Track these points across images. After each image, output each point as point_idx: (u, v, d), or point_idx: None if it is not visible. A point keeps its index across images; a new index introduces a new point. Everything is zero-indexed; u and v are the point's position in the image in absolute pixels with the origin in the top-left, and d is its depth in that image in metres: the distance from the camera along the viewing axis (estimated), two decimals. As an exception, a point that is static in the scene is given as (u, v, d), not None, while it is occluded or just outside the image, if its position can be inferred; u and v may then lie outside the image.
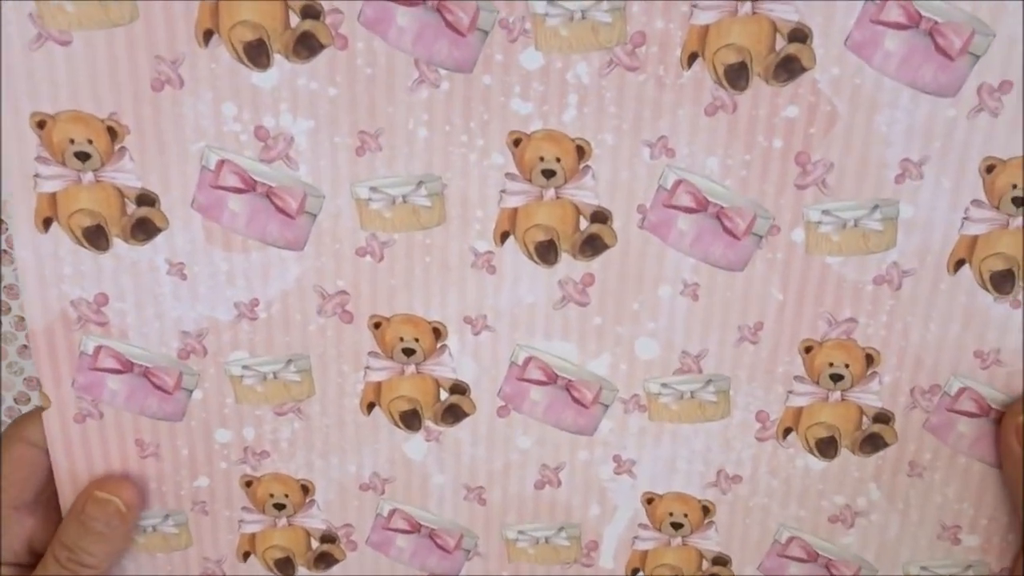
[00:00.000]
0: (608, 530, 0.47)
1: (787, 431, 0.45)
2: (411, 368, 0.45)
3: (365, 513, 0.47)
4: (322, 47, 0.39)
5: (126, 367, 0.44)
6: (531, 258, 0.42)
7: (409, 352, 0.44)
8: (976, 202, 0.41)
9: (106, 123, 0.40)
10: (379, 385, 0.45)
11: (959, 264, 0.42)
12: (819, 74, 0.39)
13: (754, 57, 0.39)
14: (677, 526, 0.47)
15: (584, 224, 0.42)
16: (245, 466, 0.46)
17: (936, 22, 0.38)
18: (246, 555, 0.48)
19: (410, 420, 0.46)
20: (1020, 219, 0.40)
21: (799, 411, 0.45)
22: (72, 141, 0.40)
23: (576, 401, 0.45)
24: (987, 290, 0.42)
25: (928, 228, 0.41)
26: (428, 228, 0.42)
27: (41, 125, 0.40)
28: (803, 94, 0.39)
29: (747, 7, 0.38)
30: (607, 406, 0.45)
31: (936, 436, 0.45)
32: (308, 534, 0.48)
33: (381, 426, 0.46)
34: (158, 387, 0.45)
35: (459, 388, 0.45)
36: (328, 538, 0.48)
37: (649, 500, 0.47)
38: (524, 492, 0.47)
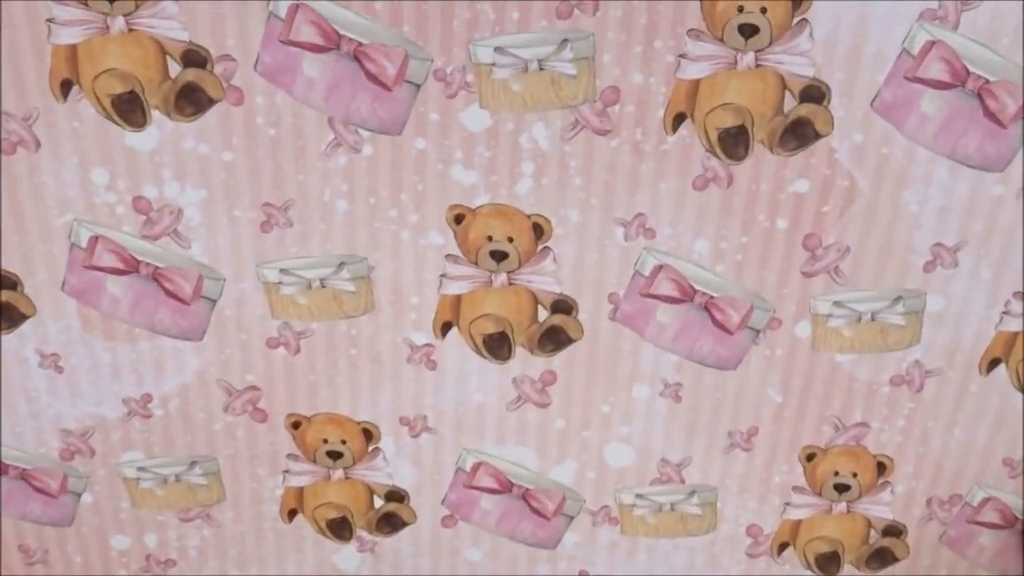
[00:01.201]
0: (573, 646, 0.41)
1: (783, 546, 0.39)
2: (339, 473, 0.38)
3: (291, 626, 0.41)
4: (211, 102, 0.31)
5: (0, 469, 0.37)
6: (479, 352, 0.35)
7: (335, 455, 0.37)
8: (1019, 294, 0.34)
9: (-54, 193, 0.32)
10: (301, 491, 0.38)
11: (993, 364, 0.35)
12: (837, 142, 0.32)
13: (756, 120, 0.31)
14: (652, 644, 0.41)
15: (544, 315, 0.35)
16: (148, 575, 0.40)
17: (987, 80, 0.30)
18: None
19: (339, 529, 0.39)
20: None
21: (797, 524, 0.39)
22: (-103, 222, 0.32)
23: (535, 511, 0.38)
24: (1025, 392, 0.36)
25: (959, 323, 0.35)
26: (353, 316, 0.35)
27: None
28: (816, 165, 0.32)
29: (749, 58, 0.31)
30: (572, 517, 0.38)
31: (953, 550, 0.39)
32: (226, 648, 0.42)
33: (306, 535, 0.39)
34: (40, 490, 0.39)
35: (396, 495, 0.38)
36: (248, 654, 0.42)
37: (620, 617, 0.41)
38: (475, 606, 0.41)
